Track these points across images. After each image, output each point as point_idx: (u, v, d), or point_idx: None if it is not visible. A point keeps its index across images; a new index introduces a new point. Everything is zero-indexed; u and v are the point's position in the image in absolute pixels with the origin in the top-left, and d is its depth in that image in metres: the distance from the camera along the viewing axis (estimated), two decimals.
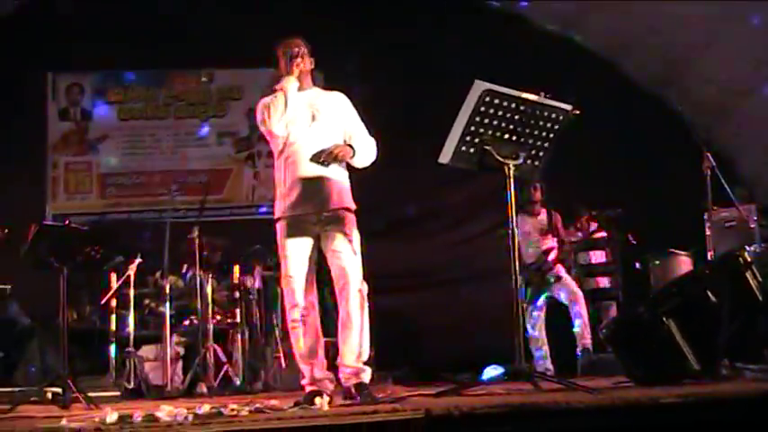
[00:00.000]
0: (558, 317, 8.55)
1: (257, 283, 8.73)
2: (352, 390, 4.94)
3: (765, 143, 9.84)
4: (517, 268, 5.05)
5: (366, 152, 5.28)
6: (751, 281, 5.14)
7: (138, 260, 8.11)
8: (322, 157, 5.07)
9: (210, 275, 8.25)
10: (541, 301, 8.42)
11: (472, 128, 4.98)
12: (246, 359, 8.32)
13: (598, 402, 3.86)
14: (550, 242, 8.51)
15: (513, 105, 5.00)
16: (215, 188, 10.60)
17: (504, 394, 4.95)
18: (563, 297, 8.45)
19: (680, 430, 3.66)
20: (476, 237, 10.16)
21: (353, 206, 5.19)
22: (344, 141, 5.22)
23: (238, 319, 8.42)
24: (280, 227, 5.17)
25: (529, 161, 5.17)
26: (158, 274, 8.44)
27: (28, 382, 7.32)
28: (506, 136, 5.06)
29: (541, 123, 5.11)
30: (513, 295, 5.04)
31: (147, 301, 8.43)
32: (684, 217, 8.38)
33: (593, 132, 8.51)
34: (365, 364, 5.06)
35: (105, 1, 10.33)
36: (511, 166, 5.06)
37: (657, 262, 8.73)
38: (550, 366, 8.26)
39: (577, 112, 5.16)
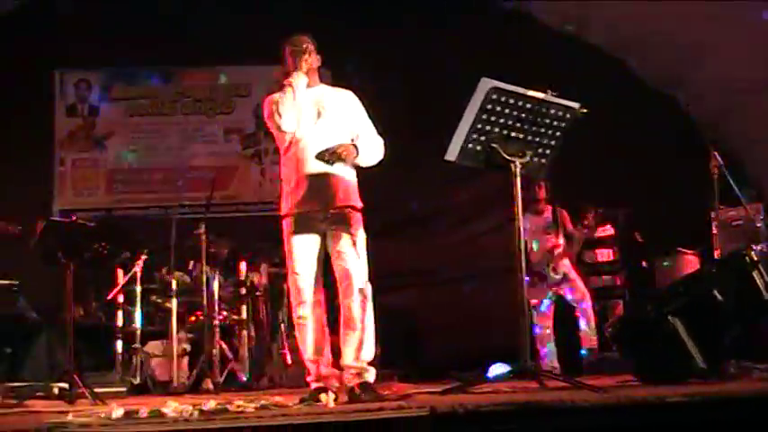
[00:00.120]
0: (565, 315, 8.55)
1: (263, 280, 8.74)
2: (356, 389, 4.94)
3: None
4: (523, 266, 5.05)
5: (371, 152, 5.26)
6: (758, 280, 5.14)
7: (145, 256, 8.12)
8: (326, 156, 5.05)
9: (217, 272, 8.27)
10: (548, 299, 8.42)
11: (479, 126, 4.98)
12: (252, 356, 8.33)
13: (604, 401, 3.86)
14: (555, 240, 8.51)
15: (520, 103, 5.00)
16: (221, 185, 10.62)
17: (510, 392, 4.95)
18: (570, 295, 8.45)
19: (686, 429, 3.66)
20: (482, 235, 10.15)
21: (360, 204, 5.18)
22: (351, 140, 5.22)
23: (244, 316, 8.43)
24: (286, 224, 5.17)
25: (535, 159, 5.17)
26: (165, 271, 8.45)
27: (35, 378, 7.33)
28: (513, 134, 5.06)
29: (548, 121, 5.11)
30: (518, 293, 5.04)
31: (153, 297, 8.43)
32: (691, 216, 8.38)
33: (601, 130, 8.49)
34: (370, 364, 5.06)
35: None
36: (517, 164, 5.07)
37: (664, 261, 8.72)
38: (557, 365, 8.26)
39: (585, 110, 5.16)
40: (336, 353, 5.18)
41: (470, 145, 5.02)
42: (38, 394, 6.31)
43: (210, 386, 7.54)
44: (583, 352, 8.29)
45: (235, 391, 7.46)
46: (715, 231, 7.59)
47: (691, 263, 8.51)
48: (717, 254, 7.41)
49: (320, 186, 5.09)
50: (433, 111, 8.47)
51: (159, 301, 8.36)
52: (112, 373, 7.82)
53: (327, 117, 5.18)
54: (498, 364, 7.65)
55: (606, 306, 9.10)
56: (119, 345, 8.10)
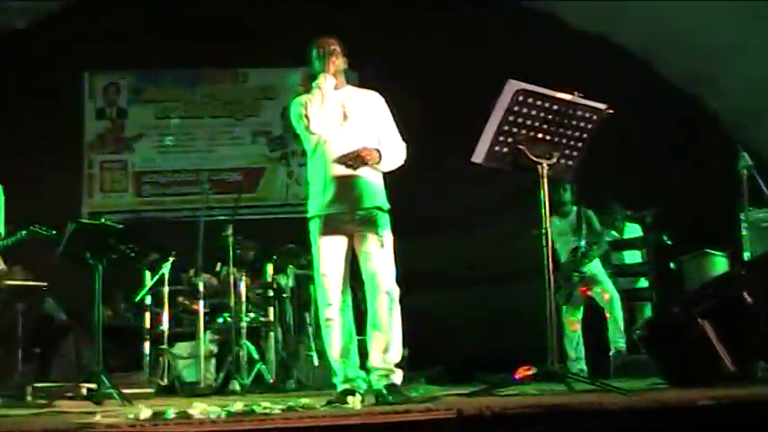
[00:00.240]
0: (593, 317, 8.52)
1: (291, 282, 8.76)
2: (384, 391, 4.93)
3: None
4: (550, 268, 5.03)
5: (393, 157, 5.22)
6: None
7: (173, 258, 8.16)
8: (348, 160, 5.04)
9: (244, 274, 8.29)
10: (577, 301, 8.41)
11: (505, 127, 4.97)
12: (279, 357, 8.35)
13: (632, 404, 3.84)
14: (578, 241, 8.49)
15: (547, 105, 4.98)
16: (249, 187, 10.67)
17: (537, 395, 4.93)
18: (599, 297, 8.43)
19: None
20: (509, 237, 10.11)
21: (387, 206, 5.17)
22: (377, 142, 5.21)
23: (272, 318, 8.46)
24: (313, 225, 5.17)
25: (562, 161, 5.15)
26: (192, 272, 8.49)
27: (63, 378, 7.39)
28: (539, 135, 5.04)
29: (575, 123, 5.08)
30: (546, 295, 5.02)
31: (180, 299, 8.47)
32: (720, 217, 8.31)
33: (628, 131, 8.46)
34: (397, 365, 5.05)
35: (141, 2, 10.41)
36: (544, 165, 5.05)
37: (693, 263, 8.66)
38: (584, 367, 8.23)
39: (611, 111, 5.13)
40: (363, 354, 5.18)
41: (497, 147, 5.01)
42: (66, 394, 6.35)
43: (237, 388, 7.56)
44: (611, 354, 8.26)
45: (261, 392, 7.48)
46: (744, 233, 7.51)
47: (720, 264, 8.44)
48: (746, 255, 7.33)
49: (347, 188, 5.09)
50: (460, 111, 8.45)
51: (187, 302, 8.41)
52: (140, 374, 7.87)
53: (353, 120, 5.17)
54: (525, 367, 7.63)
55: (634, 308, 9.05)
56: (146, 346, 8.15)
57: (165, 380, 7.89)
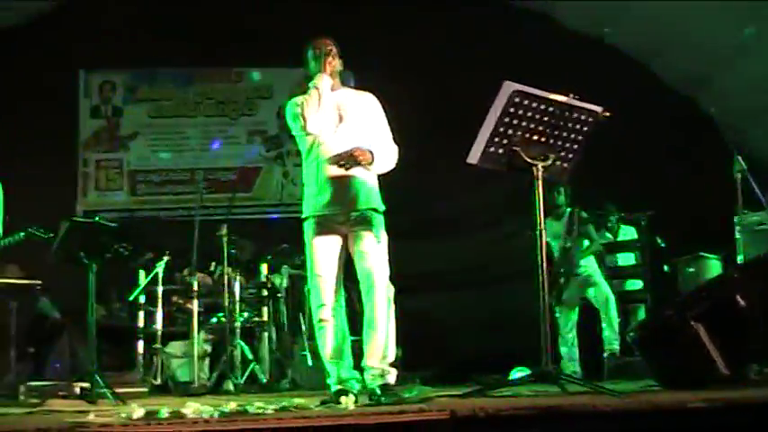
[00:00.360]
0: (587, 319, 8.54)
1: (285, 282, 8.76)
2: (377, 391, 4.93)
3: None
4: (544, 270, 5.03)
5: (384, 160, 5.22)
6: None
7: (167, 257, 8.16)
8: (341, 160, 5.04)
9: (238, 273, 8.29)
10: (572, 302, 8.43)
11: (501, 129, 4.97)
12: (273, 357, 8.35)
13: (625, 406, 3.84)
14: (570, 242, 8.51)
15: (543, 107, 4.98)
16: (244, 186, 10.66)
17: (531, 396, 4.94)
18: (594, 299, 8.44)
19: None
20: (506, 238, 10.13)
21: (382, 207, 5.18)
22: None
23: (266, 318, 8.46)
24: (308, 226, 5.17)
25: (558, 163, 5.15)
26: (186, 272, 8.48)
27: (57, 377, 7.38)
28: (535, 137, 5.05)
29: (570, 125, 5.09)
30: (540, 297, 5.02)
31: (174, 298, 8.47)
32: (714, 220, 8.32)
33: (623, 134, 8.46)
34: (391, 365, 5.06)
35: (137, 1, 10.39)
36: (539, 167, 5.05)
37: (687, 265, 8.68)
38: (578, 369, 8.24)
39: (607, 113, 5.13)
40: (357, 355, 5.18)
41: (492, 148, 5.01)
42: (60, 394, 6.33)
43: (231, 387, 7.55)
44: (605, 356, 8.28)
45: (255, 392, 7.47)
46: (738, 236, 7.52)
47: (714, 267, 8.46)
48: (740, 259, 7.34)
49: (343, 190, 5.09)
50: (458, 112, 8.45)
51: (181, 302, 8.40)
52: (134, 374, 7.86)
53: (349, 121, 5.18)
54: (519, 369, 7.65)
55: (628, 310, 9.06)
56: (140, 345, 8.16)
57: (159, 379, 7.88)
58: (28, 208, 7.35)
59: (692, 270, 8.59)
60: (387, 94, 5.40)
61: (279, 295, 8.66)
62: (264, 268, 8.60)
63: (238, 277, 8.25)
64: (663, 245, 9.03)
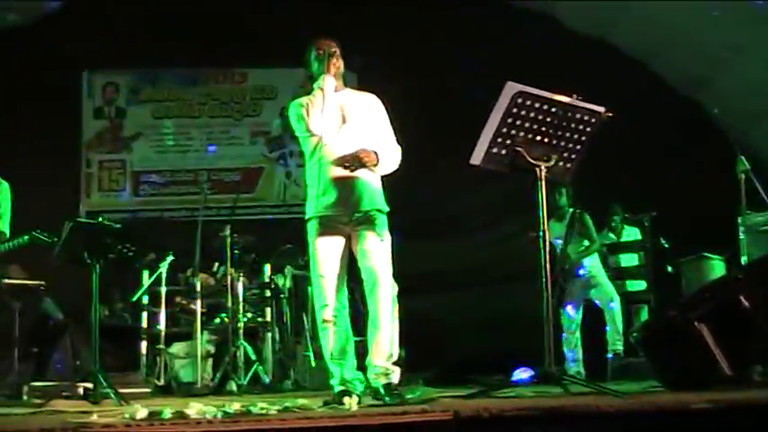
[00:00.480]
0: (591, 320, 8.53)
1: (288, 282, 8.76)
2: (381, 390, 4.93)
3: None
4: (547, 270, 5.03)
5: (389, 161, 5.22)
6: None
7: (170, 258, 8.16)
8: (347, 162, 5.03)
9: (241, 274, 8.29)
10: (576, 302, 8.43)
11: (504, 129, 4.96)
12: (276, 358, 8.35)
13: (628, 407, 3.83)
14: (576, 245, 8.51)
15: (545, 107, 4.98)
16: (247, 187, 10.67)
17: (534, 397, 4.93)
18: (597, 297, 8.44)
19: None
20: (507, 238, 10.13)
21: (386, 208, 5.17)
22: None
23: (269, 318, 8.45)
24: (311, 226, 5.17)
25: (560, 163, 5.15)
26: (190, 272, 8.49)
27: (60, 377, 7.39)
28: (538, 138, 5.04)
29: (573, 125, 5.08)
30: (543, 297, 5.02)
31: (178, 299, 8.47)
32: (717, 221, 8.31)
33: (627, 134, 8.47)
34: (394, 364, 5.05)
35: (141, 1, 10.41)
36: (542, 167, 5.04)
37: (690, 266, 8.66)
38: (582, 370, 8.23)
39: (610, 114, 5.13)
40: (360, 355, 5.17)
41: (495, 149, 5.01)
42: (63, 394, 6.34)
43: (234, 388, 7.56)
44: (609, 357, 8.27)
45: (258, 393, 7.47)
46: (742, 237, 7.51)
47: (717, 268, 8.44)
48: (743, 259, 7.33)
49: (346, 191, 5.09)
50: (459, 112, 8.46)
51: (184, 302, 8.41)
52: (137, 374, 7.87)
53: (352, 122, 5.17)
54: (522, 369, 7.65)
55: (631, 311, 9.06)
56: (143, 346, 8.17)
57: (162, 380, 7.89)
58: (31, 208, 7.35)
59: (695, 271, 8.58)
60: (387, 94, 5.40)
61: (282, 296, 8.67)
62: (268, 269, 8.60)
63: (241, 278, 8.26)
64: (666, 245, 9.02)
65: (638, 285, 9.13)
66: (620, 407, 3.77)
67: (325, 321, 5.10)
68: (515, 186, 6.23)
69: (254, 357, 8.03)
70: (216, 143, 11.14)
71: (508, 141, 5.00)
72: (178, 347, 8.26)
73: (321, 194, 5.11)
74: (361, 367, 5.15)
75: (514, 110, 4.92)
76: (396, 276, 5.12)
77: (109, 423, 3.66)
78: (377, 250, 5.05)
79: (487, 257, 10.36)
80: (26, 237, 7.01)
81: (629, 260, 9.34)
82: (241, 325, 8.07)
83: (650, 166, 10.12)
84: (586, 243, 8.59)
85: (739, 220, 7.49)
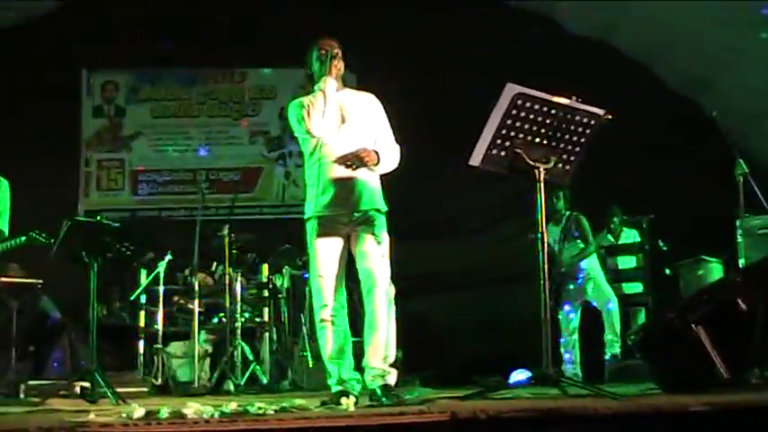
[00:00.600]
0: (589, 322, 8.53)
1: (286, 282, 8.76)
2: (378, 391, 4.93)
3: None
4: (546, 273, 5.03)
5: (389, 160, 5.23)
6: None
7: (168, 257, 8.16)
8: (348, 161, 5.03)
9: (240, 274, 8.29)
10: (574, 304, 8.43)
11: (503, 131, 4.96)
12: (274, 358, 8.35)
13: (625, 409, 3.83)
14: (571, 247, 8.51)
15: (545, 109, 4.97)
16: (246, 186, 10.67)
17: (531, 399, 4.93)
18: (595, 299, 8.44)
19: None
20: (506, 240, 10.13)
21: (385, 208, 5.17)
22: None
23: (267, 318, 8.46)
24: (310, 226, 5.17)
25: (559, 165, 5.15)
26: (188, 272, 8.50)
27: (57, 376, 7.39)
28: (537, 139, 5.04)
29: (573, 127, 5.08)
30: (541, 299, 5.02)
31: (176, 298, 8.48)
32: (715, 223, 8.32)
33: (626, 136, 8.46)
34: (391, 366, 5.05)
35: (140, 1, 10.41)
36: (541, 169, 5.04)
37: (688, 269, 8.67)
38: (579, 372, 8.23)
39: (610, 116, 5.12)
40: (358, 356, 5.17)
41: (494, 150, 5.01)
42: (60, 393, 6.34)
43: (232, 388, 7.56)
44: (606, 359, 8.27)
45: (256, 392, 7.47)
46: (740, 239, 7.51)
47: (715, 271, 8.45)
48: (741, 262, 7.33)
49: (345, 191, 5.09)
50: (459, 112, 8.45)
51: (182, 302, 8.42)
52: (134, 373, 7.87)
53: (351, 122, 5.17)
54: (519, 371, 7.65)
55: (629, 313, 9.05)
56: (141, 345, 8.16)
57: (160, 379, 7.88)
58: (30, 207, 7.35)
59: (693, 273, 8.58)
60: (387, 94, 5.40)
61: (280, 296, 8.66)
62: (266, 268, 8.60)
63: (239, 278, 8.26)
64: (664, 248, 9.02)
65: (636, 288, 9.13)
66: (618, 409, 3.77)
67: (323, 321, 5.10)
68: (514, 188, 6.23)
69: (251, 357, 8.04)
70: (215, 143, 11.13)
71: (507, 143, 5.00)
72: (176, 347, 8.25)
73: (320, 194, 5.11)
74: (358, 369, 5.15)
75: (514, 111, 4.92)
76: (394, 277, 5.12)
77: (106, 422, 3.65)
78: (375, 252, 5.05)
79: (486, 259, 10.36)
80: (23, 237, 7.00)
81: (626, 262, 9.34)
82: (239, 325, 8.08)
83: (648, 168, 10.12)
84: (581, 245, 8.57)
85: (737, 222, 7.50)
